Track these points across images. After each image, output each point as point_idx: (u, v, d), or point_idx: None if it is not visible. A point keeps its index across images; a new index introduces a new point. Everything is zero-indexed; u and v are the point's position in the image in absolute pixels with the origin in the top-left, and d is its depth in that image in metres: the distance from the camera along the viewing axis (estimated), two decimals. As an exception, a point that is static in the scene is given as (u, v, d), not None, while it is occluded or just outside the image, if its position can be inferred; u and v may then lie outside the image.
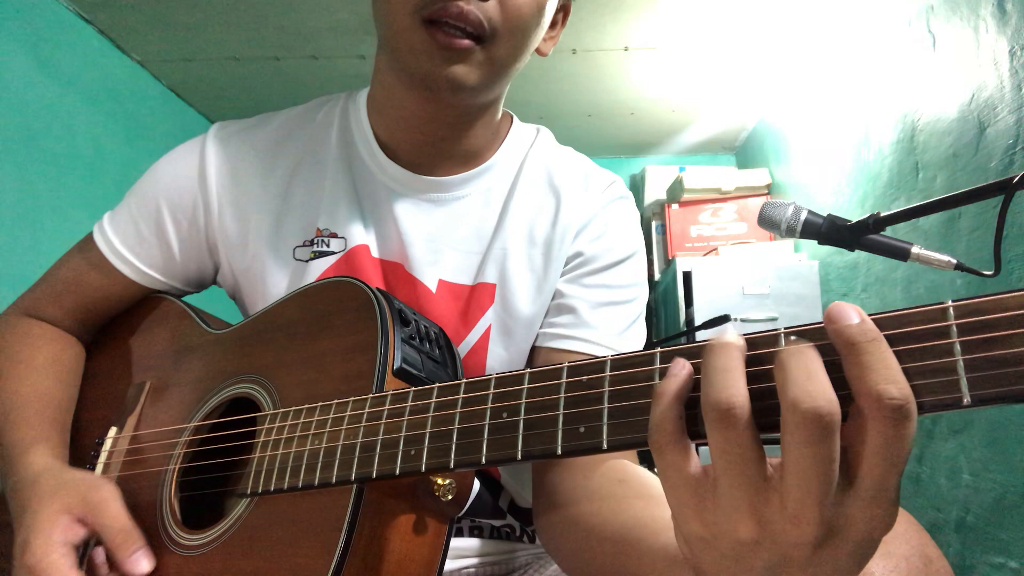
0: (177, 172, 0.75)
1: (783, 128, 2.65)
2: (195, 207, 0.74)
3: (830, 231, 0.89)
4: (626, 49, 2.30)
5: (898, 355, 0.31)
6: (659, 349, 0.37)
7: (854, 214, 1.33)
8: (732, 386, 0.32)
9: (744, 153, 3.17)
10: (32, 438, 0.65)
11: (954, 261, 0.79)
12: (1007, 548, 1.34)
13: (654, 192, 2.98)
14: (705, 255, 2.51)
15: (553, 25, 0.74)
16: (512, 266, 0.72)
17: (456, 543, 0.70)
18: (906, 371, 0.31)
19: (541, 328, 0.74)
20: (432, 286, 0.71)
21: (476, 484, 0.72)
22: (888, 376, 0.30)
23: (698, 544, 0.35)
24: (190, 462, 0.61)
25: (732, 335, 0.34)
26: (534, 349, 0.74)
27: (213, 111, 2.73)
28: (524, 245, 0.73)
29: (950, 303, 0.31)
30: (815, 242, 0.91)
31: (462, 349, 0.71)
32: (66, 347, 0.76)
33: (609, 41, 2.25)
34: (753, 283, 2.27)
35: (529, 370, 0.42)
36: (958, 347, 0.30)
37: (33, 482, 0.58)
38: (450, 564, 0.69)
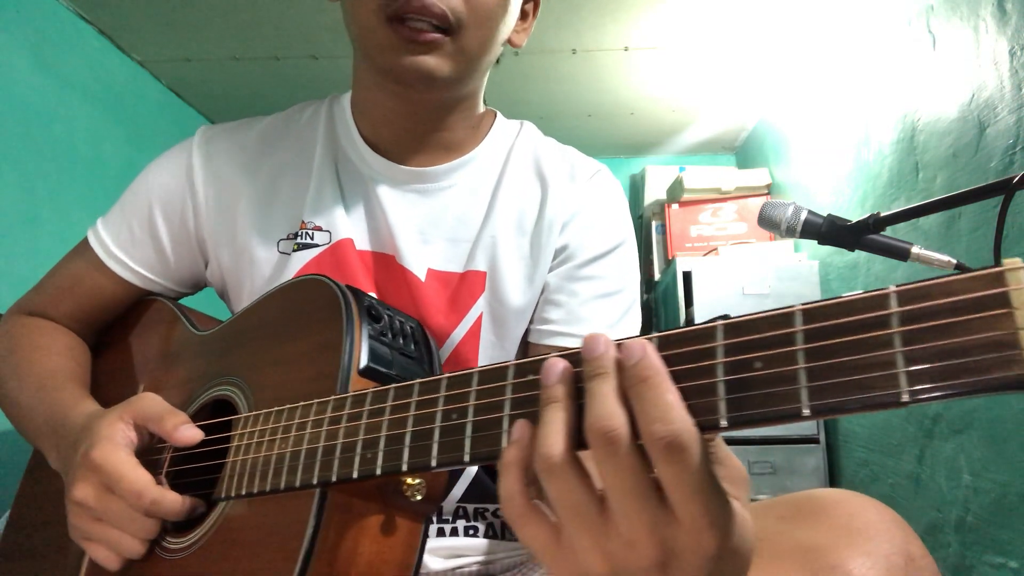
0: (166, 172, 0.77)
1: (783, 128, 2.64)
2: (184, 205, 0.75)
3: (830, 231, 0.89)
4: (626, 49, 2.30)
5: (836, 348, 0.29)
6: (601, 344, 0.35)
7: (854, 214, 1.32)
8: (551, 445, 0.34)
9: (744, 153, 3.17)
10: (78, 395, 0.68)
11: (954, 261, 0.79)
12: (1007, 548, 1.34)
13: (654, 192, 2.98)
14: (705, 255, 2.51)
15: (524, 16, 0.75)
16: (502, 254, 0.72)
17: (452, 542, 0.70)
18: (842, 366, 0.29)
19: (533, 324, 0.74)
20: (421, 275, 0.72)
21: (474, 469, 0.72)
22: (655, 415, 0.31)
23: None
24: (178, 465, 0.61)
25: (556, 371, 0.35)
26: (529, 345, 0.74)
27: (213, 111, 2.73)
28: (513, 234, 0.74)
29: (892, 289, 0.29)
30: (815, 242, 0.91)
31: (454, 338, 0.71)
32: (78, 341, 0.78)
33: (609, 41, 2.25)
34: (753, 283, 2.27)
35: (478, 369, 0.41)
36: (898, 338, 0.28)
37: (89, 419, 0.60)
38: (444, 563, 0.69)
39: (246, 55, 2.31)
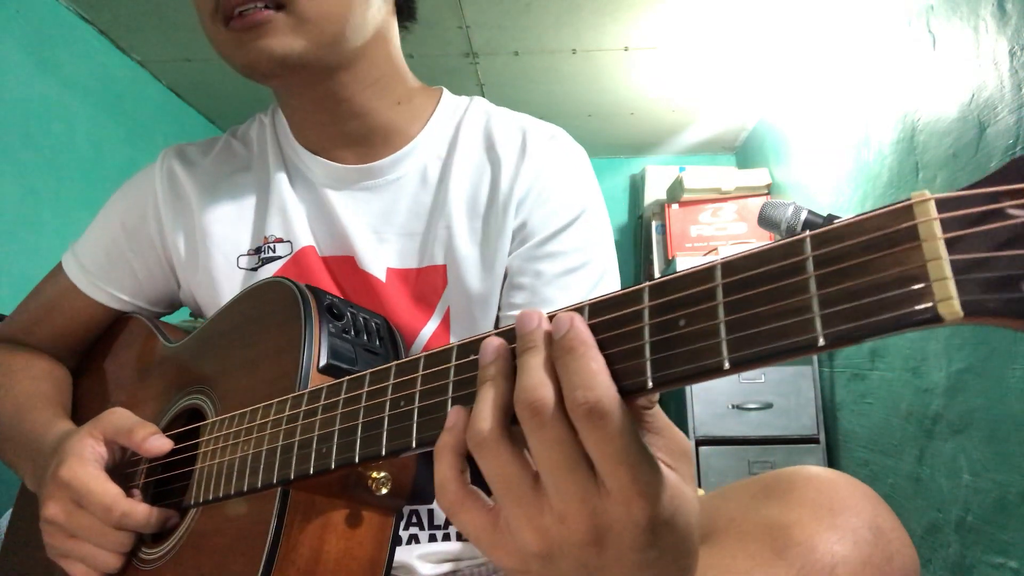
0: (133, 196, 0.77)
1: (783, 128, 2.64)
2: (149, 227, 0.76)
3: (830, 231, 0.89)
4: (626, 49, 2.30)
5: (754, 299, 0.29)
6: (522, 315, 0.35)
7: (854, 214, 1.32)
8: (481, 420, 0.34)
9: (744, 153, 3.17)
10: (53, 416, 0.68)
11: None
12: (1007, 548, 1.34)
13: (654, 192, 2.98)
14: (705, 255, 2.51)
15: None
16: (459, 243, 0.69)
17: (444, 547, 0.70)
18: (759, 316, 0.29)
19: (501, 310, 0.71)
20: (381, 276, 0.70)
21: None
22: (577, 383, 0.31)
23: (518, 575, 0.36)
24: (153, 476, 0.61)
25: (490, 349, 0.35)
26: None
27: (213, 111, 2.73)
28: (466, 219, 0.70)
29: (808, 233, 0.29)
30: (815, 242, 0.90)
31: (424, 334, 0.69)
32: (56, 364, 0.79)
33: (609, 41, 2.25)
34: (753, 283, 2.27)
35: (424, 353, 0.40)
36: (813, 282, 0.28)
37: (60, 438, 0.60)
38: (435, 569, 0.69)
39: (246, 55, 2.31)
